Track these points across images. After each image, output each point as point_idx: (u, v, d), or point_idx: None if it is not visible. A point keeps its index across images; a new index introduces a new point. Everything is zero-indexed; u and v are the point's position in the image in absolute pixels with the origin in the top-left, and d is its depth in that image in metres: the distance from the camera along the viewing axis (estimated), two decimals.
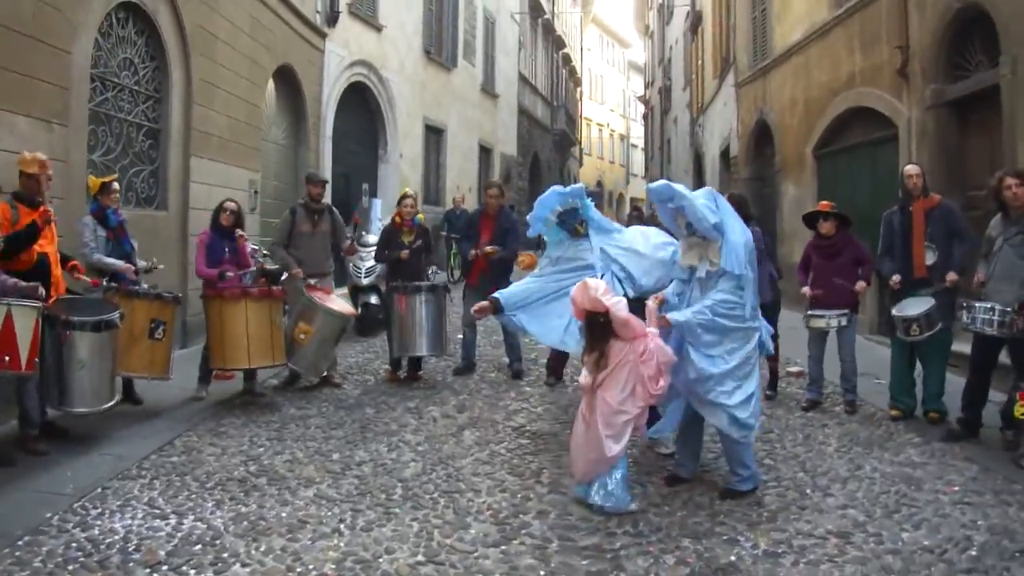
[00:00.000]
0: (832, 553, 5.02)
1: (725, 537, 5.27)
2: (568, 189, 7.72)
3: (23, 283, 6.27)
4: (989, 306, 6.90)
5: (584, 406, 5.87)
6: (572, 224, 7.59)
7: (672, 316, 5.86)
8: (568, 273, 7.47)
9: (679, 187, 6.01)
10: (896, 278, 7.99)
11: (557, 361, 9.84)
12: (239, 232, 8.91)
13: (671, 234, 6.78)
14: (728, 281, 5.85)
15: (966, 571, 4.76)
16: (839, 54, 14.49)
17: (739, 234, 5.93)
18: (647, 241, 7.40)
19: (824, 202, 8.98)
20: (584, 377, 5.85)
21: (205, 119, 11.84)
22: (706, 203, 5.90)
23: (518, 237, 10.04)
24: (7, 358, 5.93)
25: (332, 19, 17.36)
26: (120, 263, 7.94)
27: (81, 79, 9.04)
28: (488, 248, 9.76)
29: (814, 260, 8.73)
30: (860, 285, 8.42)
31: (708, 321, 5.79)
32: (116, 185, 8.24)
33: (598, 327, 5.75)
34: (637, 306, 6.11)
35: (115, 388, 7.23)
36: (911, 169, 8.13)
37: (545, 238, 7.98)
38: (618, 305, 5.69)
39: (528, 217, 7.76)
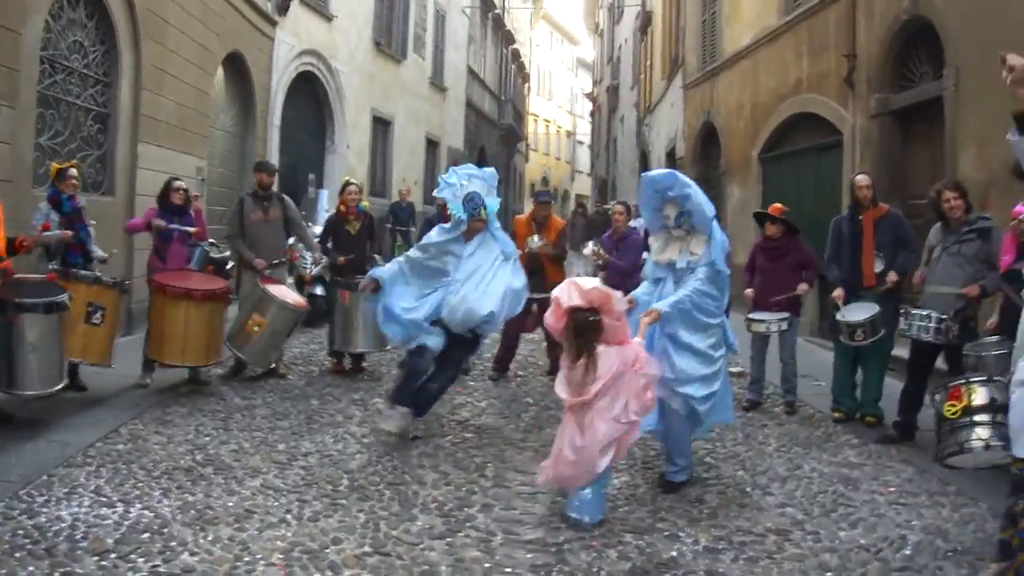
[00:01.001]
0: (771, 550, 5.14)
1: (666, 533, 5.37)
2: (489, 173, 7.54)
3: None
4: (926, 313, 7.08)
5: (572, 423, 5.54)
6: (474, 209, 7.22)
7: (657, 306, 5.80)
8: (425, 280, 7.39)
9: (683, 176, 6.07)
10: (838, 292, 8.12)
11: (505, 354, 9.92)
12: (194, 193, 8.89)
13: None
14: (707, 272, 5.94)
15: (900, 569, 4.90)
16: (787, 60, 14.70)
17: (719, 231, 6.07)
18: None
19: (776, 205, 9.11)
20: (564, 389, 5.54)
21: (154, 105, 11.75)
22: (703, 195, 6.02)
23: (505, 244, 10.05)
24: None
25: (283, 7, 17.24)
26: (57, 232, 7.76)
27: (31, 60, 8.95)
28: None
29: (759, 261, 8.89)
30: (802, 287, 8.58)
31: (688, 309, 5.84)
32: (73, 171, 8.12)
33: (586, 328, 5.39)
34: None
35: (63, 371, 7.18)
36: (861, 179, 8.26)
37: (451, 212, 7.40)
38: (617, 298, 5.43)
39: (441, 178, 7.49)
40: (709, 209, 6.01)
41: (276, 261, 9.54)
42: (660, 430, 6.27)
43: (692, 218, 6.00)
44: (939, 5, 9.99)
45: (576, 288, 5.42)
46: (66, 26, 9.92)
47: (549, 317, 5.66)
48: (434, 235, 7.44)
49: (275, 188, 9.93)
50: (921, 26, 10.48)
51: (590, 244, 11.04)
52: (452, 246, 7.31)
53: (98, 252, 8.30)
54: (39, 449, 6.47)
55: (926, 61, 10.72)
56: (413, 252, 7.54)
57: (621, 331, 5.47)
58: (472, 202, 7.18)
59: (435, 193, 7.60)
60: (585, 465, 5.39)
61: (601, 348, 5.38)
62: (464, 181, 7.24)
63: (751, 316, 8.69)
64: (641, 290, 6.35)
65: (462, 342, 7.42)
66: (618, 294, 5.51)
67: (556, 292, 5.54)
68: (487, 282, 7.20)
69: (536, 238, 9.68)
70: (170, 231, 8.67)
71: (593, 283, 5.54)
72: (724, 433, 7.77)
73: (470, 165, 7.42)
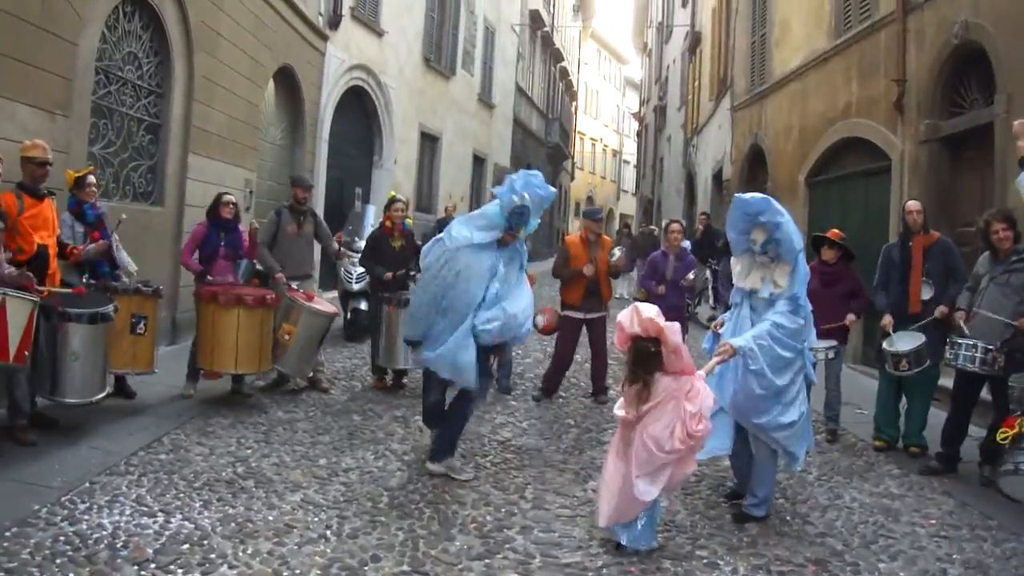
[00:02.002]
0: None
1: (705, 561, 5.33)
2: (549, 196, 6.89)
3: (15, 271, 6.29)
4: (972, 343, 6.98)
5: (618, 440, 5.62)
6: (517, 223, 6.73)
7: (734, 343, 5.79)
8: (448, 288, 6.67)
9: (777, 204, 6.01)
10: (887, 319, 8.06)
11: (554, 378, 9.92)
12: (252, 222, 8.96)
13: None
14: (788, 306, 5.91)
15: None
16: (836, 83, 14.60)
17: (804, 264, 6.02)
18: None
19: (835, 230, 8.95)
20: (621, 407, 5.59)
21: (205, 116, 11.87)
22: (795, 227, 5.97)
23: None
24: None
25: (334, 22, 17.39)
26: (93, 246, 7.80)
27: (86, 71, 9.08)
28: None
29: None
30: (850, 318, 8.50)
31: (767, 345, 5.80)
32: (91, 179, 8.08)
33: (646, 356, 5.41)
34: None
35: (106, 380, 7.26)
36: (912, 205, 8.19)
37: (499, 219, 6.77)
38: (671, 330, 5.38)
39: (511, 179, 6.82)
40: (798, 241, 5.93)
41: (305, 274, 9.64)
42: (737, 462, 6.33)
43: (779, 247, 5.93)
44: (991, 30, 9.87)
45: (636, 316, 5.42)
46: (121, 37, 10.04)
47: (615, 339, 5.69)
48: (466, 232, 6.66)
49: (318, 202, 9.95)
50: (972, 51, 10.37)
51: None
52: (487, 251, 6.73)
53: (124, 258, 8.21)
54: (82, 456, 6.54)
55: (977, 87, 10.60)
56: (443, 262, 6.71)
57: (677, 361, 5.41)
58: (521, 217, 6.70)
59: (494, 190, 6.99)
60: (626, 489, 5.36)
61: (657, 376, 5.38)
62: (525, 195, 6.70)
63: None
64: (727, 314, 6.37)
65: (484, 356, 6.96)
66: (674, 326, 5.42)
67: (620, 317, 5.55)
68: (518, 296, 6.88)
69: (618, 250, 9.82)
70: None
71: (651, 312, 5.47)
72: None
73: (539, 175, 6.87)
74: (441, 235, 6.84)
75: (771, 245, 5.95)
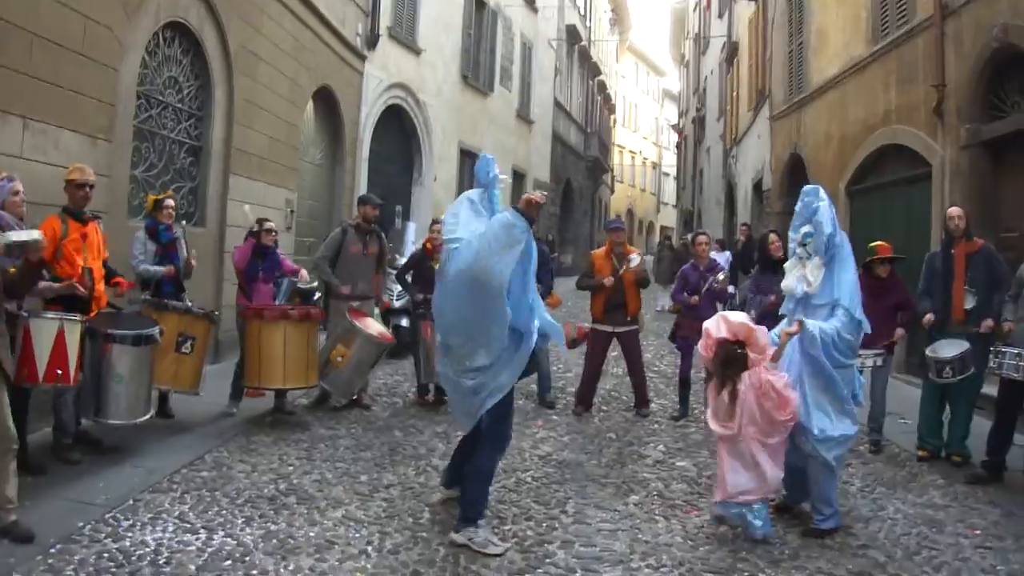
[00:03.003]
0: None
1: (747, 573, 5.31)
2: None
3: (56, 284, 6.34)
4: (1016, 351, 6.91)
5: (725, 455, 5.84)
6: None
7: (806, 323, 5.80)
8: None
9: (822, 191, 6.06)
10: (929, 316, 7.99)
11: (586, 391, 9.90)
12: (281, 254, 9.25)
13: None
14: (843, 318, 5.88)
15: None
16: (875, 90, 14.49)
17: (851, 271, 6.00)
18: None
19: (883, 244, 8.75)
20: (713, 422, 5.82)
21: (245, 138, 12.01)
22: (833, 216, 5.96)
23: (551, 273, 9.95)
24: (59, 372, 6.05)
25: (372, 42, 17.54)
26: (160, 268, 8.07)
27: (127, 96, 9.22)
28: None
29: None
30: (898, 333, 8.42)
31: (829, 342, 5.78)
32: (170, 202, 8.37)
33: (733, 360, 5.67)
34: None
35: (150, 402, 7.34)
36: (953, 211, 8.13)
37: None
38: (761, 332, 5.69)
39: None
40: (829, 226, 5.90)
41: (366, 295, 9.64)
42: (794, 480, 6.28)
43: (814, 237, 5.94)
44: None
45: (724, 321, 5.69)
46: (162, 62, 10.19)
47: (699, 346, 5.90)
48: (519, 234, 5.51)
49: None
50: (1012, 55, 10.25)
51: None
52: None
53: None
54: (125, 474, 6.62)
55: (1017, 91, 10.48)
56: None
57: (761, 361, 5.65)
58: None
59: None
60: (762, 481, 5.71)
61: (743, 377, 5.63)
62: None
63: None
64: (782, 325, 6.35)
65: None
66: (762, 328, 5.72)
67: (707, 324, 5.80)
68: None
69: (636, 256, 9.71)
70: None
71: (740, 317, 5.75)
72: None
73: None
74: None
75: (809, 238, 5.97)
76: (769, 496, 5.87)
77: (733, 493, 5.77)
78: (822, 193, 6.01)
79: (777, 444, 5.72)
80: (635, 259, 9.62)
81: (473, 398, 5.70)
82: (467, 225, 5.71)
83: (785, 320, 6.33)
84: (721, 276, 9.69)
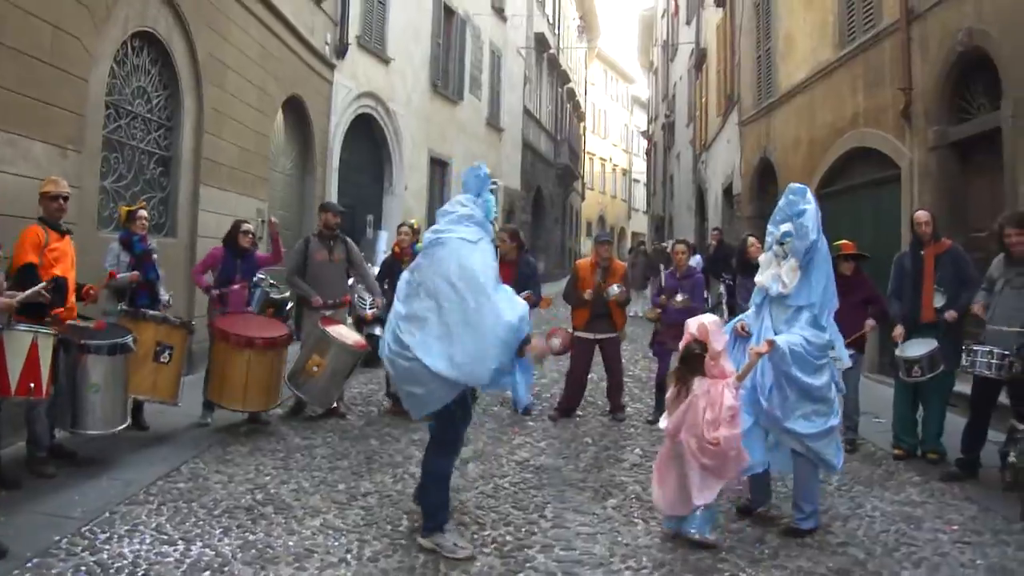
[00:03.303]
0: None
1: (727, 573, 5.33)
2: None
3: (20, 294, 6.05)
4: (988, 349, 6.97)
5: (666, 453, 5.96)
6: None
7: (776, 339, 5.79)
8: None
9: (810, 194, 6.08)
10: (898, 331, 8.07)
11: (571, 402, 9.98)
12: (271, 219, 9.52)
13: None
14: (808, 322, 5.92)
15: None
16: (843, 94, 14.61)
17: (827, 275, 6.03)
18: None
19: (847, 242, 8.83)
20: (664, 418, 5.96)
21: (215, 148, 11.95)
22: (819, 222, 5.96)
23: (539, 284, 9.95)
24: (32, 385, 6.00)
25: (341, 51, 17.51)
26: (126, 275, 8.02)
27: (96, 106, 9.15)
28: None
29: None
30: (869, 324, 8.45)
31: (800, 353, 5.79)
32: (142, 213, 8.39)
33: (690, 357, 5.81)
34: None
35: (126, 412, 7.29)
36: (921, 216, 8.20)
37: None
38: (718, 338, 5.77)
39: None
40: (812, 232, 5.87)
41: (337, 302, 9.63)
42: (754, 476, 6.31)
43: (794, 238, 5.94)
44: (995, 36, 9.88)
45: (696, 320, 5.90)
46: (130, 72, 10.13)
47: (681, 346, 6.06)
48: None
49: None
50: (977, 57, 10.37)
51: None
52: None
53: (164, 296, 8.48)
54: (101, 486, 6.57)
55: (983, 93, 10.60)
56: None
57: (715, 367, 5.72)
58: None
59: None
60: (684, 491, 5.74)
61: (696, 380, 5.73)
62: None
63: None
64: (747, 315, 6.37)
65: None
66: (723, 336, 5.84)
67: (688, 322, 6.00)
68: None
69: (616, 287, 9.66)
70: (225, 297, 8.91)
71: (711, 319, 5.93)
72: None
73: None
74: None
75: (788, 237, 5.96)
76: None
77: (661, 506, 5.99)
78: (809, 195, 6.01)
79: (713, 468, 5.68)
80: (614, 290, 9.63)
81: (410, 388, 5.60)
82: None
83: (752, 312, 6.35)
84: (680, 298, 9.73)
